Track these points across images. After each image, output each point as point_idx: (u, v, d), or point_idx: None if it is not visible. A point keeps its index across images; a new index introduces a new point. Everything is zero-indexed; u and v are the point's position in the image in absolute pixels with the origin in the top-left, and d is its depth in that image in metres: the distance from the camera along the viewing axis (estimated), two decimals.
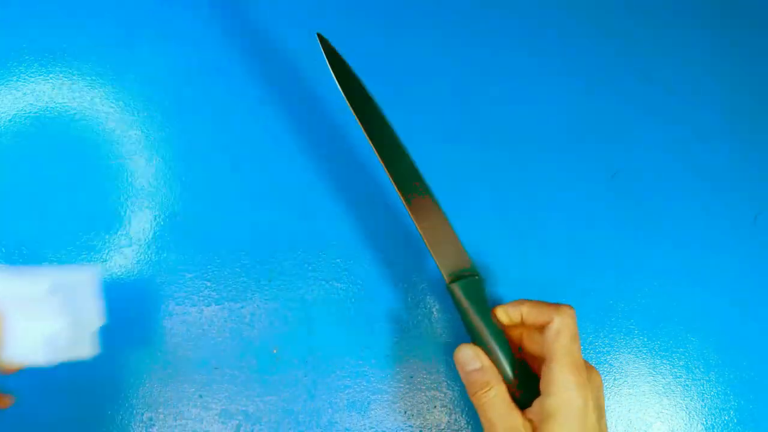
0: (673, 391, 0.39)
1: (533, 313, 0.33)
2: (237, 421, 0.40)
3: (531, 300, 0.33)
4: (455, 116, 0.43)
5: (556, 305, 0.32)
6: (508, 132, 0.42)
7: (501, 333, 0.34)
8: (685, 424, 0.39)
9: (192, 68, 0.43)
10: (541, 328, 0.32)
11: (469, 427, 0.39)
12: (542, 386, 0.31)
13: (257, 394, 0.40)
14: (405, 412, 0.40)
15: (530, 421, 0.31)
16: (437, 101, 0.43)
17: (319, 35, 0.35)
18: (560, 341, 0.31)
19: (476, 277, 0.35)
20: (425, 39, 0.43)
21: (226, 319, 0.41)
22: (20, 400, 0.42)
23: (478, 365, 0.32)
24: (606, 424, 0.32)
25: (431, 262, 0.41)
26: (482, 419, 0.32)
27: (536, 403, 0.31)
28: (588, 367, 0.32)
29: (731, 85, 0.42)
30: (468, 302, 0.34)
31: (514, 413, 0.31)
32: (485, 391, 0.31)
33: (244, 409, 0.40)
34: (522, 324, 0.34)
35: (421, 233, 0.35)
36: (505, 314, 0.34)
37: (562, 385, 0.30)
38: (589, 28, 0.43)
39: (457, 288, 0.35)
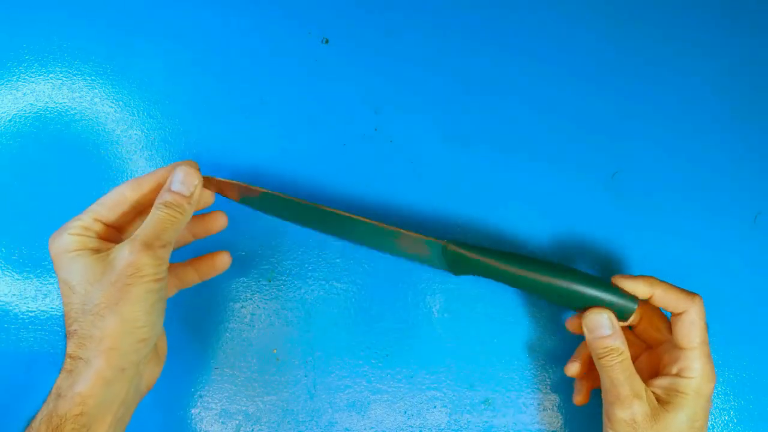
0: None
1: (669, 298, 0.33)
2: (237, 421, 0.40)
3: (661, 281, 0.34)
4: (453, 118, 0.43)
5: (690, 294, 0.33)
6: (507, 133, 0.42)
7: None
8: None
9: (192, 68, 0.43)
10: (672, 313, 0.34)
11: (469, 426, 0.39)
12: (676, 368, 0.33)
13: (257, 394, 0.41)
14: (405, 412, 0.40)
15: (653, 392, 0.33)
16: (436, 103, 0.43)
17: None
18: (698, 331, 0.33)
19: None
20: (425, 39, 0.43)
21: (226, 319, 0.41)
22: (21, 401, 0.42)
23: (609, 331, 0.33)
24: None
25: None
26: (605, 380, 0.33)
27: (666, 379, 0.33)
28: None
29: (731, 84, 0.42)
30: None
31: (638, 379, 0.33)
32: (614, 356, 0.33)
33: (244, 409, 0.40)
34: (646, 302, 0.35)
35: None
36: (636, 288, 0.34)
37: (698, 373, 0.32)
38: (588, 28, 0.43)
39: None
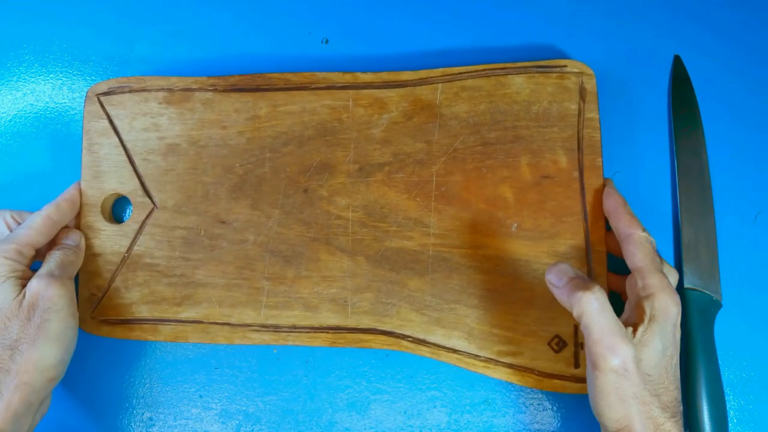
0: None
1: (617, 220, 0.35)
2: (237, 421, 0.40)
3: (622, 204, 0.36)
4: None
5: (636, 222, 0.34)
6: None
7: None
8: (685, 424, 0.39)
9: (192, 68, 0.43)
10: (620, 238, 0.35)
11: (469, 426, 0.39)
12: (639, 291, 0.32)
13: (257, 394, 0.41)
14: (405, 412, 0.40)
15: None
16: None
17: (676, 57, 0.41)
18: (647, 253, 0.33)
19: (714, 299, 0.38)
20: (425, 39, 0.43)
21: None
22: None
23: (573, 273, 0.32)
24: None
25: None
26: (590, 326, 0.30)
27: (632, 309, 0.33)
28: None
29: (731, 84, 0.42)
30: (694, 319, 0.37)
31: (619, 322, 0.30)
32: (595, 299, 0.30)
33: (244, 409, 0.40)
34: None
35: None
36: (605, 199, 0.36)
37: (657, 288, 0.31)
38: (594, 26, 0.43)
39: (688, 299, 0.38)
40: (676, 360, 0.32)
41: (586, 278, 0.32)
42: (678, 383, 0.32)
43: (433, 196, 0.38)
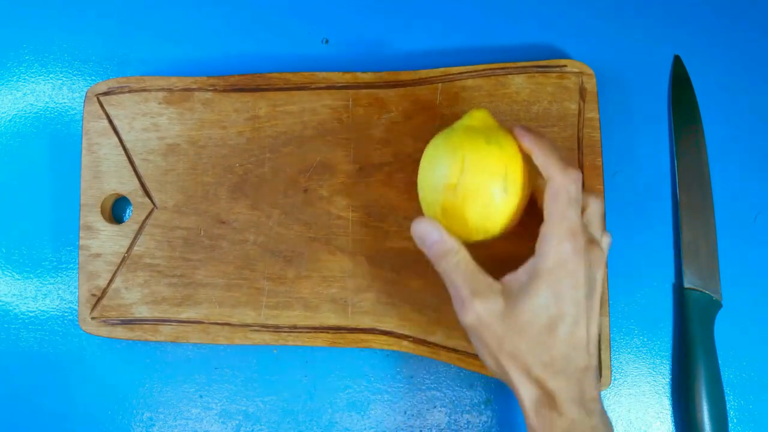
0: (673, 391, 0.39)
1: (540, 161, 0.30)
2: (237, 421, 0.40)
3: (546, 146, 0.30)
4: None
5: (564, 166, 0.30)
6: None
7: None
8: (686, 424, 0.39)
9: (192, 68, 0.43)
10: (544, 180, 0.31)
11: (469, 426, 0.39)
12: (536, 247, 0.30)
13: (257, 394, 0.41)
14: (405, 412, 0.40)
15: (504, 284, 0.30)
16: None
17: (676, 57, 0.41)
18: (557, 204, 0.29)
19: (713, 299, 0.38)
20: (424, 39, 0.43)
21: None
22: (21, 400, 0.42)
23: (437, 236, 0.31)
24: (599, 304, 0.31)
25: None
26: (447, 285, 0.31)
27: (524, 265, 0.30)
28: (589, 240, 0.30)
29: (731, 84, 0.42)
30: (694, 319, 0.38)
31: (480, 276, 0.31)
32: (448, 258, 0.31)
33: (244, 409, 0.40)
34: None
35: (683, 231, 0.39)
36: (520, 139, 0.31)
37: (554, 248, 0.29)
38: (594, 26, 0.43)
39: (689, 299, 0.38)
40: (575, 311, 0.29)
41: (445, 239, 0.31)
42: (576, 339, 0.29)
43: None
